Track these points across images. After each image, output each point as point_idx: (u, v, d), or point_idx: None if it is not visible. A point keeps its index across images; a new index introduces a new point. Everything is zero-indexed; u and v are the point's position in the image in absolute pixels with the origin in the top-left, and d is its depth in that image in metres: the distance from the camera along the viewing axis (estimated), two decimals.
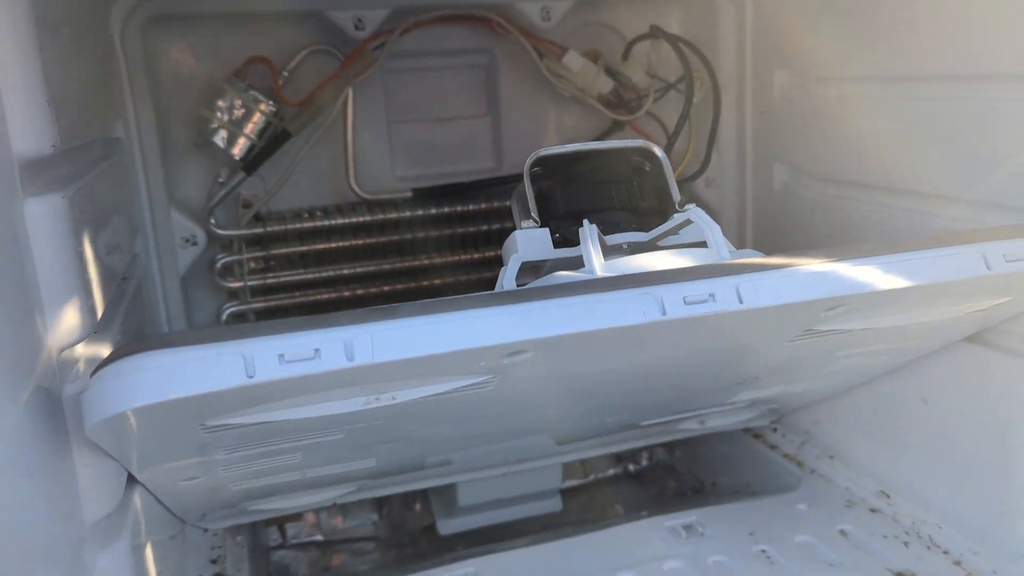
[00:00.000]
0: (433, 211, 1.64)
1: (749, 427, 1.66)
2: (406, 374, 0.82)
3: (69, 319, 0.82)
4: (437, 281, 1.67)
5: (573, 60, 1.60)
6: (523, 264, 0.99)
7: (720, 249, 0.91)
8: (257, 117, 1.49)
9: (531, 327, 0.79)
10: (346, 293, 1.63)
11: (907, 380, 1.34)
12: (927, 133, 1.26)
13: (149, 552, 1.06)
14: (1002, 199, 1.15)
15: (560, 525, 1.64)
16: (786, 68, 1.55)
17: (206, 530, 1.40)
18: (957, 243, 0.91)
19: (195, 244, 1.53)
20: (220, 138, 1.49)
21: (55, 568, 0.78)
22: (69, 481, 0.82)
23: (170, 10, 1.43)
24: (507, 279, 0.96)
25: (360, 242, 1.62)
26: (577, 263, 0.95)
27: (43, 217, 0.79)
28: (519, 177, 1.09)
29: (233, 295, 1.59)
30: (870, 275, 0.88)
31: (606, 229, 1.00)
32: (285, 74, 1.52)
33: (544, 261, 1.01)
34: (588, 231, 0.92)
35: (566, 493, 1.75)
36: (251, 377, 0.73)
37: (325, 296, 1.62)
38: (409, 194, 1.63)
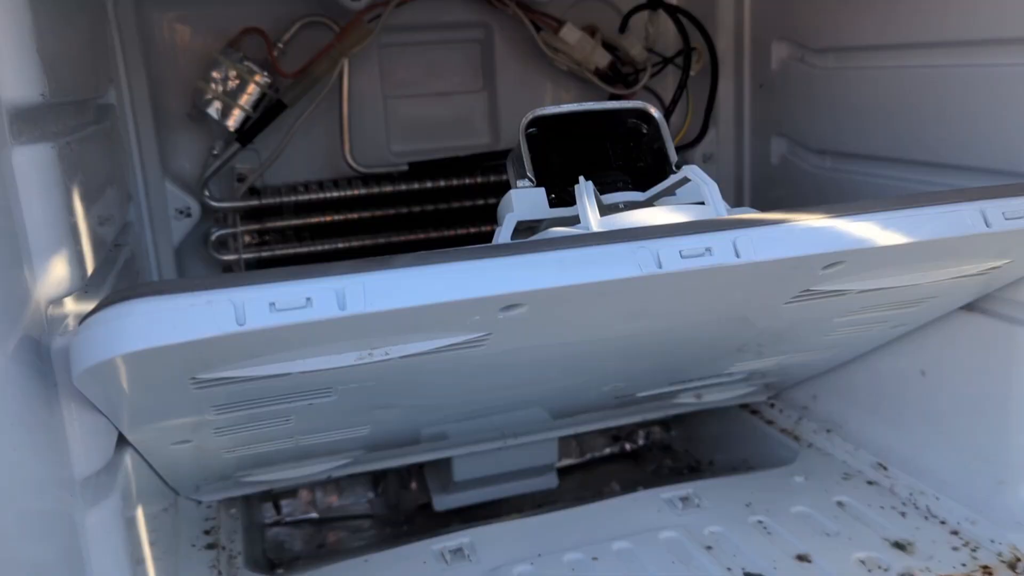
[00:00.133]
0: (429, 185, 1.63)
1: (746, 403, 1.66)
2: (399, 327, 0.81)
3: (57, 270, 0.81)
4: None
5: (570, 33, 1.59)
6: (519, 224, 0.98)
7: (718, 206, 0.90)
8: (252, 88, 1.48)
9: (525, 279, 0.78)
10: None
11: (905, 352, 1.34)
12: (927, 101, 1.25)
13: (142, 520, 1.05)
14: (1004, 165, 1.14)
15: (556, 502, 1.63)
16: (785, 39, 1.54)
17: (200, 502, 1.40)
18: (956, 200, 0.90)
19: (189, 216, 1.52)
20: (214, 109, 1.48)
21: (43, 520, 0.77)
22: (58, 435, 0.81)
23: None
24: (502, 238, 0.95)
25: (356, 216, 1.61)
26: (573, 222, 0.94)
27: (32, 166, 0.78)
28: None
29: (228, 268, 1.58)
30: (868, 231, 0.87)
31: (603, 189, 0.99)
32: (280, 45, 1.51)
33: (540, 221, 1.00)
34: (584, 187, 0.91)
35: (563, 472, 1.75)
36: (241, 325, 0.72)
37: None
38: (405, 168, 1.62)
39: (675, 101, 1.54)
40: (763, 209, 1.73)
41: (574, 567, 1.19)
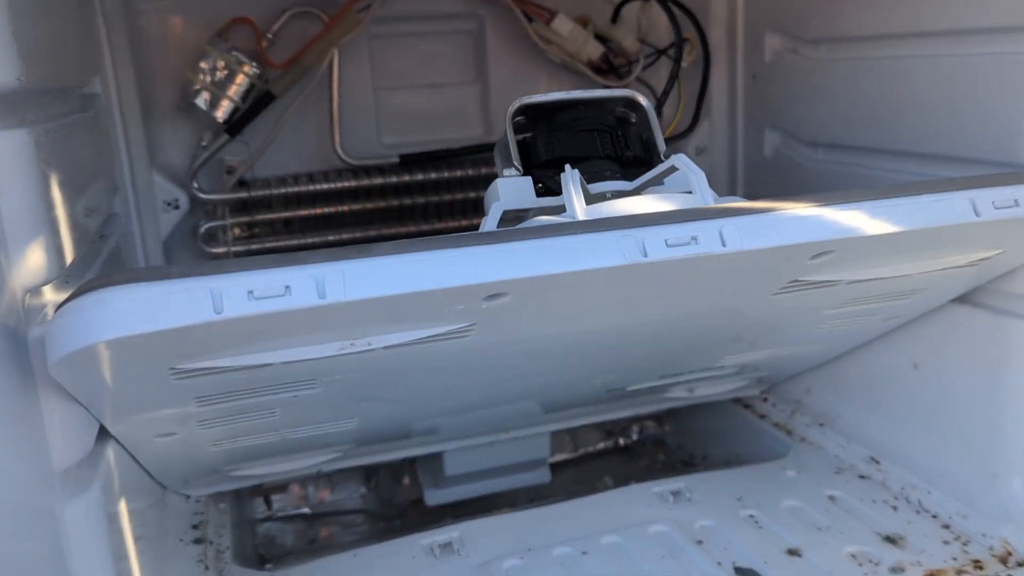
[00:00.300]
0: (420, 177, 1.62)
1: (739, 397, 1.65)
2: (380, 316, 0.80)
3: (35, 258, 0.80)
4: None
5: (562, 24, 1.58)
6: (505, 213, 0.97)
7: (705, 195, 0.89)
8: (240, 79, 1.47)
9: (508, 267, 0.77)
10: None
11: (898, 346, 1.33)
12: (918, 92, 1.24)
13: (125, 514, 1.04)
14: (997, 156, 1.13)
15: (549, 497, 1.62)
16: (778, 30, 1.53)
17: (188, 497, 1.38)
18: (945, 189, 0.89)
19: (177, 208, 1.51)
20: (203, 100, 1.47)
21: (21, 513, 0.76)
22: (36, 426, 0.80)
23: None
24: (488, 227, 0.94)
25: (346, 208, 1.60)
26: (560, 211, 0.93)
27: (7, 151, 0.77)
28: None
29: None
30: (856, 219, 0.86)
31: (590, 178, 0.98)
32: (269, 36, 1.50)
33: (527, 210, 0.99)
34: (570, 176, 0.90)
35: (556, 467, 1.74)
36: (219, 313, 0.71)
37: None
38: (396, 160, 1.61)
39: (667, 92, 1.53)
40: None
41: (563, 561, 1.18)
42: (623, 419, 1.78)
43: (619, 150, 1.05)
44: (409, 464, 1.67)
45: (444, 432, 1.45)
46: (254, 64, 1.46)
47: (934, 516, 1.24)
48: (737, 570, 1.13)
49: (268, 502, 1.69)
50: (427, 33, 1.65)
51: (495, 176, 1.07)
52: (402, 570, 1.19)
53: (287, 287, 0.73)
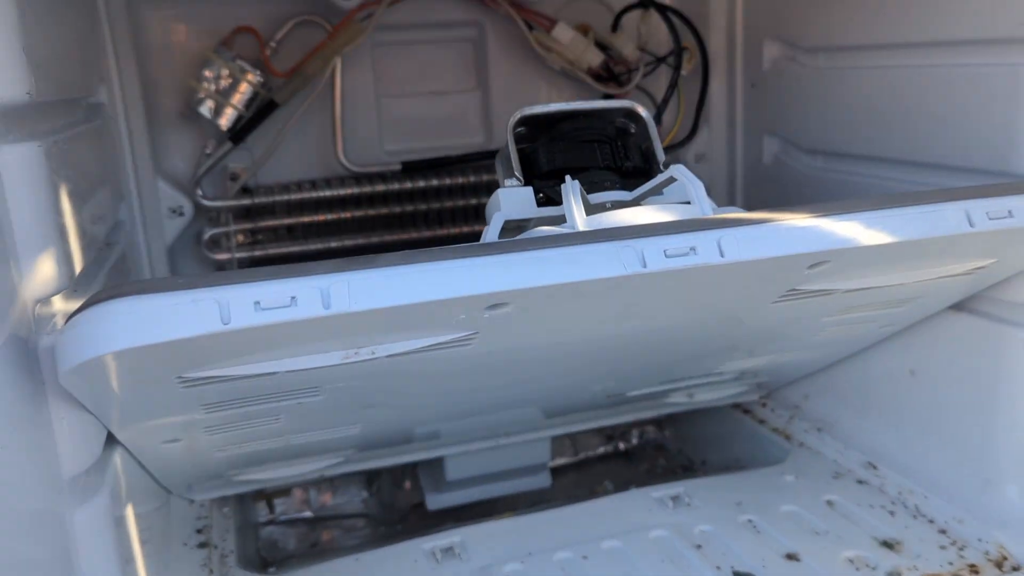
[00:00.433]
0: (422, 184, 1.63)
1: (738, 402, 1.66)
2: (384, 326, 0.81)
3: (45, 269, 0.81)
4: None
5: (563, 32, 1.60)
6: (507, 223, 0.98)
7: (703, 205, 0.91)
8: (244, 87, 1.48)
9: (510, 278, 0.79)
10: None
11: (895, 352, 1.34)
12: (916, 101, 1.26)
13: (132, 519, 1.05)
14: (993, 165, 1.14)
15: (550, 501, 1.63)
16: (776, 39, 1.54)
17: (192, 501, 1.40)
18: (940, 200, 0.90)
19: (182, 215, 1.52)
20: (207, 108, 1.48)
21: (31, 519, 0.78)
22: (45, 433, 0.82)
23: None
24: (490, 237, 0.96)
25: (348, 215, 1.62)
26: (560, 221, 0.95)
27: (18, 165, 0.78)
28: None
29: (221, 267, 1.59)
30: (853, 230, 0.87)
31: (590, 188, 1.00)
32: (273, 44, 1.51)
33: (528, 220, 1.00)
34: (570, 186, 0.91)
35: (556, 471, 1.75)
36: (226, 324, 0.72)
37: None
38: (398, 167, 1.63)
39: (666, 100, 1.55)
40: (755, 209, 1.74)
41: (564, 566, 1.19)
42: (623, 424, 1.79)
43: (619, 160, 1.06)
44: (411, 468, 1.69)
45: (445, 437, 1.46)
46: (258, 72, 1.48)
47: (931, 521, 1.25)
48: (736, 574, 1.15)
49: (271, 506, 1.70)
50: (429, 41, 1.66)
51: (496, 183, 1.09)
52: (404, 574, 1.21)
53: (293, 298, 0.74)
